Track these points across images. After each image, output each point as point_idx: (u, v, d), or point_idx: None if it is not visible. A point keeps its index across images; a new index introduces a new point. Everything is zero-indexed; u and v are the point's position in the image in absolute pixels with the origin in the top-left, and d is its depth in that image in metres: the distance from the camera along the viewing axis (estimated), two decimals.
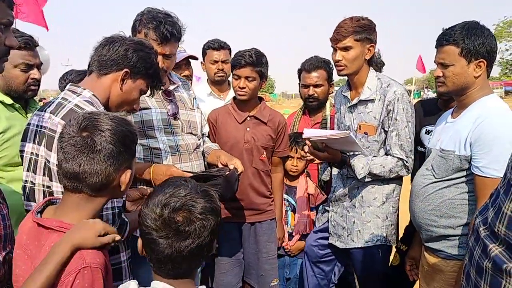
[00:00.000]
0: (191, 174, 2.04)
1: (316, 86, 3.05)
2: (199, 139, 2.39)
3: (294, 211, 3.04)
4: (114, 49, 1.68)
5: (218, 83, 3.48)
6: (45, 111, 1.60)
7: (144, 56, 1.73)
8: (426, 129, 2.66)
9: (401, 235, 2.74)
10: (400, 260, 2.73)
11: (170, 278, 1.15)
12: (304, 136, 2.27)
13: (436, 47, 2.02)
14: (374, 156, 2.37)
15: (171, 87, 2.31)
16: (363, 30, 2.28)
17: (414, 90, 45.45)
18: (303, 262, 2.87)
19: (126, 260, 1.72)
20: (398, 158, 2.31)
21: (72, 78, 2.89)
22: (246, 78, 2.56)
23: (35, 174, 1.57)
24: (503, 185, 1.25)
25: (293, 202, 3.04)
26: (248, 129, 2.67)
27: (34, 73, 2.23)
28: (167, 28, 2.08)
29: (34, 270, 1.14)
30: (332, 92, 3.20)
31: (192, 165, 2.27)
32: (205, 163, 2.41)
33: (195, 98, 2.53)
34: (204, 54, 3.51)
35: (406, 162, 2.32)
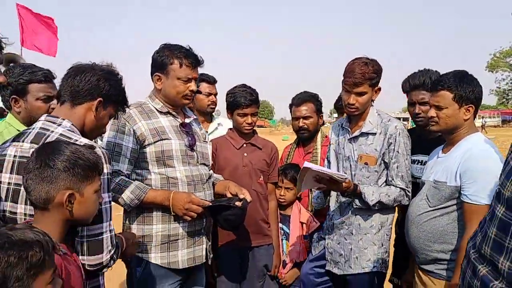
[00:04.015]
0: (209, 203, 2.37)
1: (305, 118, 3.39)
2: (209, 170, 2.70)
3: (288, 239, 3.30)
4: (86, 79, 1.85)
5: (205, 114, 3.75)
6: (23, 142, 1.75)
7: (115, 84, 1.93)
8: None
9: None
10: None
11: None
12: (304, 165, 2.50)
13: (431, 90, 2.44)
14: (374, 186, 2.67)
15: (187, 120, 2.63)
16: (376, 76, 2.62)
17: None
18: None
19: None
20: (400, 188, 2.63)
21: None
22: (252, 114, 3.01)
23: (16, 203, 1.69)
24: (489, 213, 1.54)
25: (287, 231, 3.30)
26: (245, 154, 3.07)
27: (54, 103, 2.50)
28: (195, 54, 2.46)
29: None
30: (323, 124, 3.57)
31: (204, 194, 2.54)
32: (213, 192, 2.69)
33: (206, 132, 2.88)
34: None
35: (408, 191, 2.65)
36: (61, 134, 1.75)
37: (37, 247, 1.15)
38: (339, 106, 3.89)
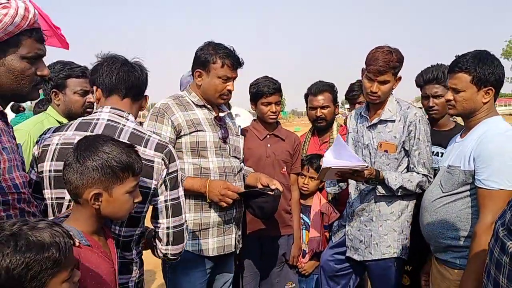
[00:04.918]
0: (244, 190, 2.52)
1: (323, 107, 3.50)
2: (240, 163, 2.86)
3: (308, 229, 3.42)
4: (144, 77, 1.99)
5: None
6: (91, 132, 1.81)
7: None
8: None
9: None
10: (410, 281, 3.13)
11: None
12: (323, 166, 2.60)
13: (448, 72, 2.40)
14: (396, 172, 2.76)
15: (221, 114, 2.80)
16: (399, 64, 2.70)
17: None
18: (318, 277, 3.26)
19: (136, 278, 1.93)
20: (423, 174, 2.72)
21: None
22: (275, 103, 3.14)
23: (63, 189, 1.75)
24: None
25: (308, 221, 3.42)
26: (268, 145, 3.21)
27: (89, 97, 2.77)
28: (237, 55, 2.64)
29: None
30: (337, 114, 3.67)
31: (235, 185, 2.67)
32: (244, 184, 2.84)
33: (239, 126, 3.03)
34: None
35: (430, 177, 2.72)
36: (134, 129, 1.87)
37: (54, 248, 1.17)
38: (350, 97, 3.92)
